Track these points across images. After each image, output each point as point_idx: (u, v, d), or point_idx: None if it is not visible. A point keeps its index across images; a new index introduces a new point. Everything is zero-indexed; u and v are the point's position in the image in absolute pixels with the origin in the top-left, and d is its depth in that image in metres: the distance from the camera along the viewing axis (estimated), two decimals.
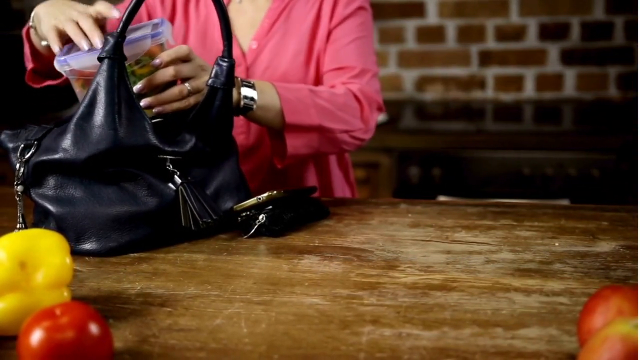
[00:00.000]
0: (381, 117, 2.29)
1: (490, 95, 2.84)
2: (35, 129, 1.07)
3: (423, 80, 2.88)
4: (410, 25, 2.84)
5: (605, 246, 1.01)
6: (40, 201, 1.03)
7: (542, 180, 2.25)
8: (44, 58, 1.23)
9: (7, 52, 1.58)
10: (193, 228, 1.03)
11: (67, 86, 1.14)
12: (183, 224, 1.04)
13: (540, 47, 2.77)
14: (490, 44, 2.81)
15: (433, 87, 2.87)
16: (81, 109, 1.02)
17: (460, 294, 0.86)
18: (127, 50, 1.04)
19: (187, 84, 1.11)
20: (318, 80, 1.44)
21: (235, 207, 1.11)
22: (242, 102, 1.19)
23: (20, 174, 1.04)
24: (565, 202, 2.17)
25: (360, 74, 1.40)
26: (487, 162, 2.30)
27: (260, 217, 1.08)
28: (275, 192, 1.11)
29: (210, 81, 1.10)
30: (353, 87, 1.37)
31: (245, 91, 1.19)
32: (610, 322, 0.61)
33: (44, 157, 1.02)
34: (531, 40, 2.77)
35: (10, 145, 1.06)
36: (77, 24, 1.08)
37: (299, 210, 1.13)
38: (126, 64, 1.04)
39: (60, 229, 1.02)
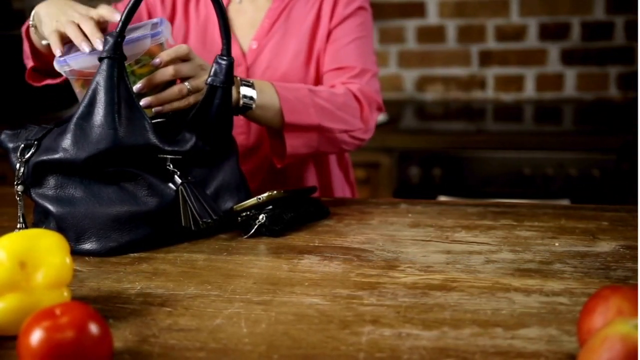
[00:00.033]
0: (381, 117, 2.29)
1: (491, 95, 2.84)
2: (36, 129, 1.07)
3: (423, 80, 2.88)
4: (411, 25, 2.84)
5: (605, 246, 1.01)
6: (41, 201, 1.03)
7: (542, 181, 2.25)
8: (44, 57, 1.23)
9: (7, 52, 1.58)
10: (193, 228, 1.04)
11: (67, 85, 1.14)
12: (183, 224, 1.04)
13: (540, 47, 2.77)
14: (491, 44, 2.81)
15: (433, 87, 2.87)
16: (81, 108, 1.02)
17: (460, 294, 0.86)
18: (127, 50, 1.04)
19: (186, 83, 1.11)
20: (318, 80, 1.44)
21: (235, 207, 1.11)
22: (241, 101, 1.19)
23: (21, 174, 1.04)
24: (565, 202, 2.17)
25: (360, 74, 1.40)
26: (487, 162, 2.30)
27: (261, 217, 1.08)
28: (275, 192, 1.11)
29: (209, 80, 1.10)
30: (353, 87, 1.37)
31: (245, 90, 1.19)
32: (609, 322, 0.61)
33: (44, 157, 1.02)
34: (531, 40, 2.77)
35: (11, 145, 1.06)
36: (79, 26, 1.08)
37: (299, 210, 1.13)
38: (126, 64, 1.04)
39: (61, 228, 1.02)
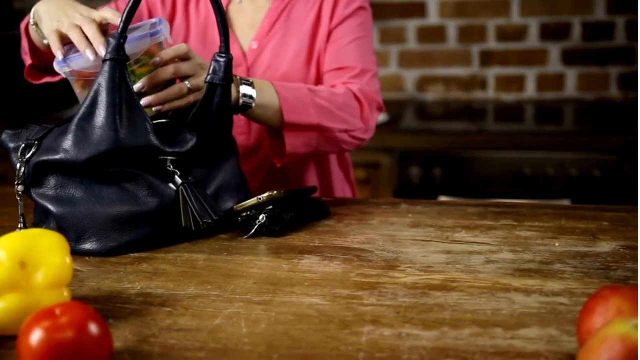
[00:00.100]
0: (382, 117, 2.29)
1: (491, 95, 2.84)
2: (36, 128, 1.07)
3: (424, 80, 2.88)
4: (411, 25, 2.84)
5: (605, 246, 1.01)
6: (41, 201, 1.03)
7: (543, 181, 2.25)
8: (43, 55, 1.22)
9: (8, 52, 1.58)
10: (193, 228, 1.04)
11: (65, 84, 1.14)
12: (183, 224, 1.04)
13: (541, 47, 2.77)
14: (491, 44, 2.81)
15: (434, 87, 2.87)
16: (82, 109, 1.02)
17: (460, 294, 0.86)
18: (127, 50, 1.04)
19: (186, 82, 1.12)
20: (319, 80, 1.44)
21: (235, 207, 1.11)
22: (241, 100, 1.19)
23: (21, 174, 1.04)
24: (566, 202, 2.17)
25: (361, 74, 1.40)
26: (488, 162, 2.30)
27: (261, 217, 1.08)
28: (275, 192, 1.11)
29: (208, 78, 1.10)
30: (353, 87, 1.37)
31: (244, 89, 1.19)
32: (609, 322, 0.61)
33: (45, 157, 1.02)
34: (532, 40, 2.77)
35: (11, 145, 1.06)
36: (81, 28, 1.07)
37: (299, 210, 1.13)
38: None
39: (61, 228, 1.02)
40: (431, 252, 1.00)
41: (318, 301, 0.84)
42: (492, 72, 2.82)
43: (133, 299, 0.86)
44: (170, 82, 1.12)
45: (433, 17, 2.82)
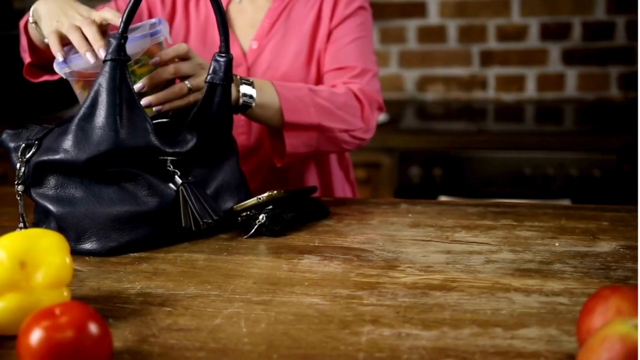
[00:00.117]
0: (382, 117, 2.29)
1: (492, 95, 2.84)
2: (37, 128, 1.07)
3: (424, 80, 2.88)
4: (412, 25, 2.84)
5: (605, 246, 1.01)
6: (41, 201, 1.03)
7: (543, 181, 2.25)
8: (42, 53, 1.22)
9: (9, 51, 1.58)
10: (193, 228, 1.04)
11: (65, 84, 1.13)
12: (183, 224, 1.04)
13: (541, 47, 2.77)
14: (492, 44, 2.80)
15: (434, 87, 2.87)
16: (83, 109, 1.02)
17: (460, 294, 0.86)
18: (127, 50, 1.03)
19: (186, 82, 1.12)
20: (319, 80, 1.44)
21: (235, 207, 1.11)
22: (241, 100, 1.19)
23: (21, 174, 1.04)
24: (566, 202, 2.17)
25: (361, 74, 1.40)
26: (488, 162, 2.29)
27: (261, 217, 1.08)
28: (275, 192, 1.11)
29: (208, 77, 1.10)
30: (354, 86, 1.37)
31: (244, 89, 1.19)
32: (609, 322, 0.61)
33: (45, 157, 1.02)
34: (532, 40, 2.77)
35: (12, 144, 1.06)
36: (81, 30, 1.07)
37: (299, 210, 1.13)
38: None
39: (61, 228, 1.02)
40: (431, 252, 1.00)
41: (318, 301, 0.84)
42: (493, 72, 2.82)
43: (133, 299, 0.86)
44: (170, 82, 1.12)
45: (433, 17, 2.82)
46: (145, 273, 0.95)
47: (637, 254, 0.98)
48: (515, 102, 2.81)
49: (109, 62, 1.01)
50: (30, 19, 1.18)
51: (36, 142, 1.04)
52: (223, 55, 1.10)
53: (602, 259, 0.96)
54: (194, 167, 1.09)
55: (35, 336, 0.64)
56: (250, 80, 1.21)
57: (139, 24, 1.15)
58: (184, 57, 1.12)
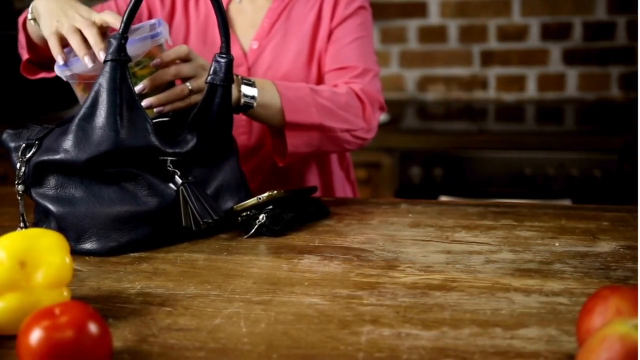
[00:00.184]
0: (382, 117, 2.29)
1: (492, 95, 2.84)
2: (37, 128, 1.07)
3: (425, 80, 2.88)
4: (412, 25, 2.84)
5: (605, 246, 1.01)
6: (41, 201, 1.03)
7: (543, 181, 2.25)
8: (41, 50, 1.22)
9: (9, 51, 1.58)
10: (194, 228, 1.04)
11: (65, 83, 1.13)
12: (184, 224, 1.04)
13: (542, 47, 2.77)
14: (492, 44, 2.80)
15: (435, 87, 2.87)
16: (83, 110, 1.02)
17: (459, 294, 0.86)
18: (128, 51, 1.03)
19: (188, 84, 1.12)
20: (320, 80, 1.45)
21: (235, 206, 1.11)
22: (242, 100, 1.19)
23: (21, 174, 1.04)
24: (566, 202, 2.17)
25: (362, 74, 1.40)
26: (488, 162, 2.29)
27: (261, 217, 1.08)
28: (275, 192, 1.11)
29: (209, 78, 1.10)
30: (355, 86, 1.37)
31: (246, 89, 1.19)
32: (608, 322, 0.61)
33: (45, 157, 1.02)
34: (533, 40, 2.77)
35: (12, 144, 1.06)
36: (81, 32, 1.06)
37: (299, 210, 1.13)
38: None
39: (61, 228, 1.02)
40: (431, 252, 1.00)
41: (318, 301, 0.84)
42: (493, 72, 2.82)
43: (133, 299, 0.87)
44: (171, 83, 1.12)
45: (434, 17, 2.82)
46: (145, 273, 0.95)
47: (637, 254, 0.98)
48: (516, 102, 2.81)
49: (109, 63, 1.01)
50: (29, 16, 1.18)
51: (36, 142, 1.04)
52: (224, 56, 1.10)
53: (602, 259, 0.96)
54: (194, 167, 1.09)
55: (35, 336, 0.64)
56: (252, 80, 1.21)
57: (138, 25, 1.14)
58: (185, 59, 1.12)
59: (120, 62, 1.01)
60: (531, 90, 2.80)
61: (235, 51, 1.36)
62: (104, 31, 1.09)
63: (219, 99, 1.10)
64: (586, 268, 0.93)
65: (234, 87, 1.16)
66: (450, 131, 2.47)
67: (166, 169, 1.05)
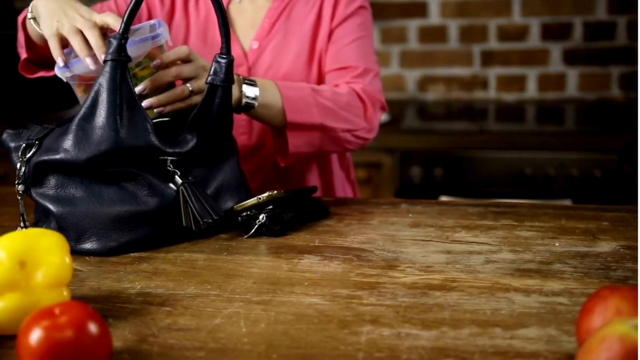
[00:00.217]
0: (383, 117, 2.29)
1: (493, 95, 2.84)
2: (37, 128, 1.07)
3: (425, 80, 2.87)
4: (413, 25, 2.84)
5: (605, 246, 1.01)
6: (41, 200, 1.03)
7: (544, 181, 2.25)
8: (40, 49, 1.22)
9: (9, 51, 1.58)
10: (194, 228, 1.04)
11: (65, 84, 1.13)
12: (184, 224, 1.04)
13: (542, 47, 2.77)
14: (493, 44, 2.80)
15: (435, 87, 2.87)
16: (83, 109, 1.02)
17: (459, 294, 0.86)
18: (129, 53, 1.03)
19: (188, 85, 1.12)
20: (321, 80, 1.45)
21: (235, 206, 1.11)
22: (243, 100, 1.19)
23: (22, 174, 1.04)
24: (567, 202, 2.17)
25: (363, 74, 1.40)
26: (489, 162, 2.29)
27: (261, 217, 1.08)
28: (275, 192, 1.11)
29: (209, 79, 1.10)
30: (356, 86, 1.37)
31: (247, 89, 1.19)
32: (608, 322, 0.61)
33: (45, 157, 1.02)
34: (534, 40, 2.77)
35: (12, 144, 1.06)
36: (82, 33, 1.06)
37: (299, 210, 1.13)
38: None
39: (61, 228, 1.02)
40: (431, 252, 1.00)
41: (318, 301, 0.84)
42: (494, 72, 2.82)
43: (133, 299, 0.87)
44: (171, 84, 1.12)
45: (434, 17, 2.82)
46: (145, 273, 0.95)
47: (637, 254, 0.98)
48: (516, 102, 2.81)
49: (109, 62, 1.01)
50: (29, 15, 1.18)
51: (37, 142, 1.04)
52: (224, 56, 1.10)
53: (602, 259, 0.96)
54: (194, 167, 1.09)
55: (35, 336, 0.64)
56: (253, 80, 1.21)
57: (138, 25, 1.14)
58: (186, 60, 1.12)
59: (120, 62, 1.01)
60: (531, 90, 2.80)
61: (235, 51, 1.36)
62: (104, 32, 1.09)
63: (219, 99, 1.10)
64: (586, 268, 0.93)
65: (235, 87, 1.16)
66: (450, 131, 2.47)
67: (166, 169, 1.06)
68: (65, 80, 1.09)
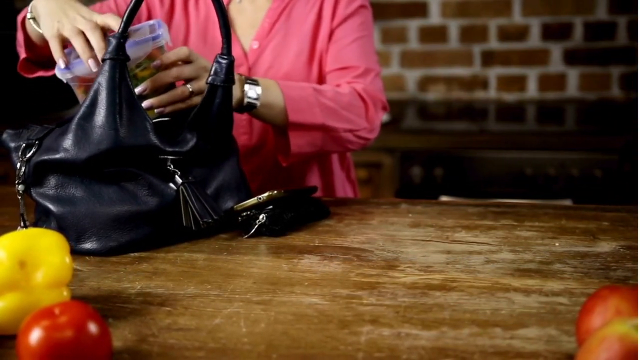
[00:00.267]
0: (384, 116, 2.29)
1: (493, 95, 2.84)
2: (37, 128, 1.07)
3: (426, 80, 2.87)
4: (413, 25, 2.84)
5: (605, 246, 1.01)
6: (41, 200, 1.03)
7: (544, 181, 2.25)
8: (39, 49, 1.22)
9: (9, 51, 1.58)
10: (194, 228, 1.04)
11: (64, 84, 1.13)
12: (184, 224, 1.04)
13: (543, 47, 2.77)
14: (493, 44, 2.80)
15: (436, 87, 2.87)
16: (82, 109, 1.02)
17: (459, 294, 0.85)
18: (129, 54, 1.03)
19: (189, 85, 1.12)
20: (321, 80, 1.45)
21: (235, 206, 1.11)
22: (245, 100, 1.19)
23: (22, 173, 1.04)
24: (567, 202, 2.17)
25: (364, 74, 1.40)
26: (489, 162, 2.29)
27: (261, 216, 1.08)
28: (275, 192, 1.11)
29: (209, 79, 1.10)
30: (357, 86, 1.37)
31: (249, 89, 1.19)
32: (608, 322, 0.61)
33: (45, 157, 1.02)
34: (534, 40, 2.77)
35: (12, 144, 1.06)
36: (83, 34, 1.06)
37: (299, 210, 1.13)
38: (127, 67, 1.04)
39: (61, 228, 1.02)
40: (431, 252, 1.00)
41: (317, 301, 0.84)
42: (494, 72, 2.82)
43: (133, 299, 0.87)
44: (172, 84, 1.12)
45: (435, 17, 2.82)
46: (145, 273, 0.95)
47: (637, 254, 0.98)
48: (517, 102, 2.81)
49: (108, 62, 1.01)
50: (29, 15, 1.17)
51: (37, 142, 1.04)
52: (225, 57, 1.10)
53: (602, 259, 0.96)
54: (194, 167, 1.09)
55: (35, 336, 0.64)
56: (256, 79, 1.21)
57: (137, 25, 1.14)
58: (186, 60, 1.12)
59: (118, 60, 1.01)
60: (532, 90, 2.80)
61: (235, 51, 1.36)
62: (104, 32, 1.08)
63: (219, 99, 1.10)
64: (586, 268, 0.93)
65: (237, 87, 1.16)
66: (450, 131, 2.47)
67: (166, 169, 1.06)
68: (65, 81, 1.09)
